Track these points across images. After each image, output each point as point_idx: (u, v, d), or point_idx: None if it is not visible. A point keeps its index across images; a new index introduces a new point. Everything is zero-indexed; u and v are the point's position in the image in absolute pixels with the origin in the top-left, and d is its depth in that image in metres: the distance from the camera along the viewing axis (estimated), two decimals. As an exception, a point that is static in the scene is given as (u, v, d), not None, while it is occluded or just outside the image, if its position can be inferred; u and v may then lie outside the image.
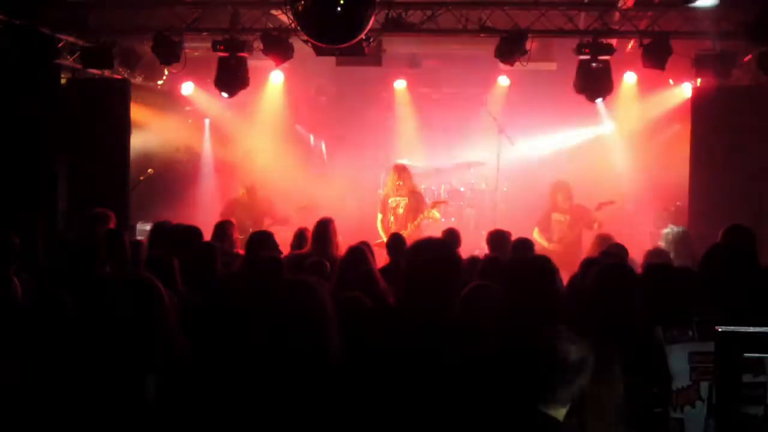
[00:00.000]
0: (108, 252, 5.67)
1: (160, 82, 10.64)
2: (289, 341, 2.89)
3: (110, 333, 3.35)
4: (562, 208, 9.62)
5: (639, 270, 4.61)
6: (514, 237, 6.93)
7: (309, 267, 5.68)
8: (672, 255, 6.53)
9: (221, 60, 9.14)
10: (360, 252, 5.65)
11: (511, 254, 6.36)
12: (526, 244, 6.69)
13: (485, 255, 6.30)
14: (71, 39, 9.14)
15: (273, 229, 7.46)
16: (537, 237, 9.40)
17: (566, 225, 9.50)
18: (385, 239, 9.04)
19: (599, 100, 9.25)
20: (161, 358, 3.36)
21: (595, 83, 8.85)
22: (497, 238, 6.96)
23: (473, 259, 5.97)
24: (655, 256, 6.12)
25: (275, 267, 5.26)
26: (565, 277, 5.33)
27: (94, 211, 7.13)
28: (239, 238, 7.74)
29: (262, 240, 6.11)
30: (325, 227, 6.92)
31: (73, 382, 3.30)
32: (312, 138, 12.72)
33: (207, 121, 12.29)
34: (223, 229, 7.11)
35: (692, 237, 7.31)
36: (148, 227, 8.08)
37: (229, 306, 4.38)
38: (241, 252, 6.73)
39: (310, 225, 7.26)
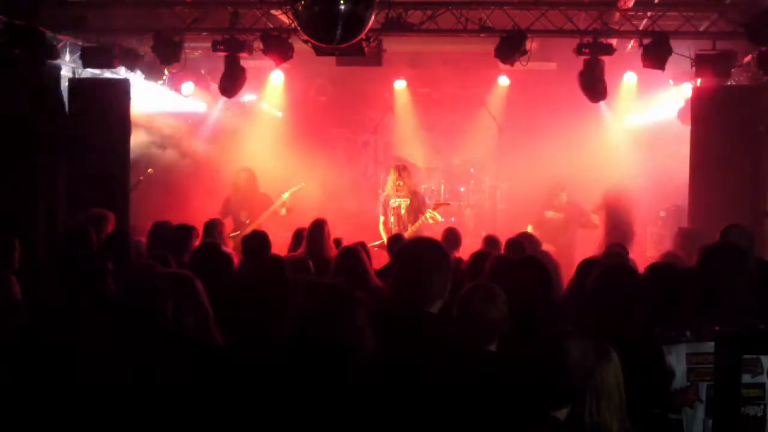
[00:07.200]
0: (110, 252, 5.68)
1: (160, 82, 10.64)
2: (316, 340, 2.85)
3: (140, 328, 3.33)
4: (557, 206, 9.62)
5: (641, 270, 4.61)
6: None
7: (293, 266, 5.56)
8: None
9: (224, 60, 9.14)
10: (353, 252, 5.63)
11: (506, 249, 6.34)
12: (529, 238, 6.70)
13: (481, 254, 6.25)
14: (71, 39, 9.13)
15: (271, 232, 7.44)
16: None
17: (560, 224, 9.49)
18: (386, 241, 9.02)
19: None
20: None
21: (595, 84, 8.86)
22: (492, 242, 6.98)
23: (480, 254, 5.84)
24: (669, 256, 6.11)
25: (278, 267, 5.25)
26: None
27: (92, 212, 7.14)
28: (232, 235, 7.72)
29: (258, 240, 6.08)
30: (318, 228, 6.88)
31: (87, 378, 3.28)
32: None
33: (207, 122, 12.29)
34: (212, 227, 7.11)
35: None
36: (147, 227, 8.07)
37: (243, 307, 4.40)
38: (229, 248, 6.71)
39: (305, 223, 7.22)
